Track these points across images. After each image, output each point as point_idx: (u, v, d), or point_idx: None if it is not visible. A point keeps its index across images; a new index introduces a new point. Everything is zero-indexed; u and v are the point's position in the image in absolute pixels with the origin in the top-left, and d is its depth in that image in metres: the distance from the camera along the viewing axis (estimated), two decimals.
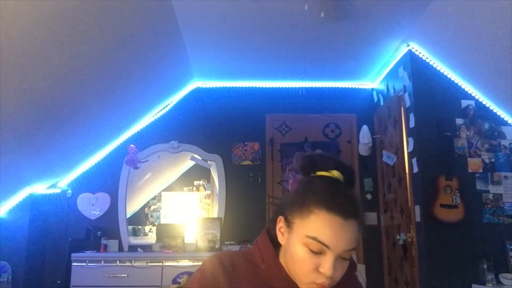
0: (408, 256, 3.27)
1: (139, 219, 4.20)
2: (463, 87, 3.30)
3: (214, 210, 4.04)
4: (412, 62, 3.31)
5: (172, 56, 3.48)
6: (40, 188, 3.62)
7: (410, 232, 3.24)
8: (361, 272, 3.78)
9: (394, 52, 3.55)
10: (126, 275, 3.26)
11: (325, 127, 4.22)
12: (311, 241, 0.82)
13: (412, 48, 3.33)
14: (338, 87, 4.26)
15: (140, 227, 4.13)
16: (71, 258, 3.32)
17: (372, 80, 4.20)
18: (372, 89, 4.25)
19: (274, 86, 4.23)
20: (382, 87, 4.01)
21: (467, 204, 3.04)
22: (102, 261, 3.31)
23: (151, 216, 4.23)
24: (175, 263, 3.29)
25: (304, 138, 4.17)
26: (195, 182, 4.34)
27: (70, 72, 2.63)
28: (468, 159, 3.18)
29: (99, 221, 3.79)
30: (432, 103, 3.23)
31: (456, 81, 3.30)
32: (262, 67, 3.88)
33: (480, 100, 3.28)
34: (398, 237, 3.35)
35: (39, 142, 3.00)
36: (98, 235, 3.67)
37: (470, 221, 3.05)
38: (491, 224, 3.09)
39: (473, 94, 3.29)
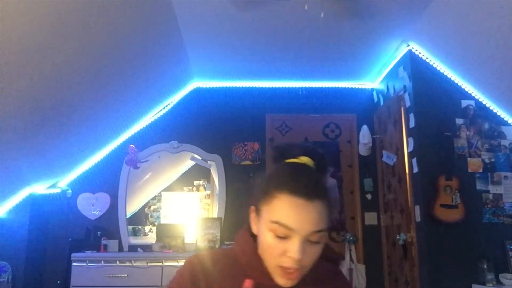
0: (408, 256, 3.27)
1: (139, 219, 4.20)
2: (463, 87, 3.30)
3: (214, 210, 4.04)
4: (412, 62, 3.31)
5: (172, 56, 3.48)
6: (40, 188, 3.63)
7: (410, 232, 3.24)
8: (361, 272, 3.78)
9: (394, 52, 3.55)
10: (126, 275, 3.26)
11: (325, 127, 4.22)
12: (275, 225, 0.81)
13: (412, 48, 3.33)
14: (338, 87, 4.26)
15: (140, 227, 4.13)
16: (71, 258, 3.32)
17: (372, 80, 4.20)
18: (372, 89, 4.25)
19: (274, 86, 4.23)
20: (382, 87, 4.01)
21: (467, 204, 3.04)
22: (102, 261, 3.31)
23: (151, 216, 4.23)
24: (175, 263, 3.29)
25: (304, 138, 4.17)
26: (195, 182, 4.33)
27: (70, 72, 2.63)
28: (468, 159, 3.18)
29: (99, 221, 3.79)
30: (432, 103, 3.23)
31: (456, 81, 3.30)
32: (262, 67, 3.88)
33: (480, 100, 3.28)
34: (398, 237, 3.35)
35: (39, 142, 3.00)
36: (98, 235, 3.67)
37: (470, 221, 3.05)
38: (491, 224, 3.09)
39: (473, 94, 3.29)
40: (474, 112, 3.26)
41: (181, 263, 0.95)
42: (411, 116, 3.25)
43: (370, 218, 4.00)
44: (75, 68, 2.63)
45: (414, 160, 3.20)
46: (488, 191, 3.14)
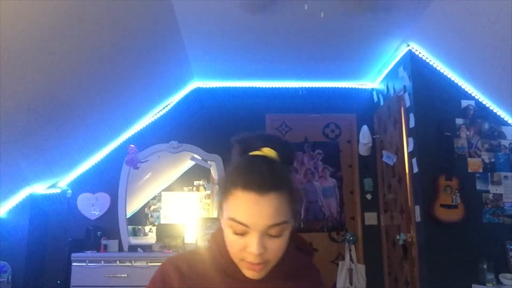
0: (408, 256, 3.27)
1: (139, 219, 4.19)
2: (463, 87, 3.30)
3: (214, 210, 4.04)
4: (412, 62, 3.31)
5: (172, 56, 3.47)
6: (40, 188, 3.62)
7: (410, 232, 3.24)
8: (361, 272, 3.78)
9: (394, 52, 3.55)
10: (126, 275, 3.26)
11: (325, 127, 4.22)
12: (232, 222, 0.81)
13: (412, 48, 3.32)
14: (338, 87, 4.26)
15: (140, 227, 4.13)
16: (71, 258, 3.31)
17: (372, 80, 4.20)
18: (372, 89, 4.25)
19: (274, 86, 4.23)
20: (382, 87, 4.01)
21: (467, 204, 3.04)
22: (102, 261, 3.31)
23: (151, 216, 4.23)
24: None
25: (304, 138, 4.17)
26: (195, 182, 4.33)
27: (70, 72, 2.63)
28: (468, 159, 3.18)
29: (99, 221, 3.79)
30: (432, 103, 3.23)
31: (456, 81, 3.30)
32: (262, 67, 3.88)
33: (480, 100, 3.28)
34: (398, 237, 3.35)
35: (39, 142, 3.00)
36: (98, 235, 3.67)
37: (470, 221, 3.06)
38: (491, 224, 3.09)
39: (473, 94, 3.29)
40: (474, 112, 3.26)
41: None
42: (411, 116, 3.25)
43: (370, 218, 4.00)
44: (75, 68, 2.63)
45: (414, 160, 3.20)
46: (488, 191, 3.14)
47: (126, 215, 3.84)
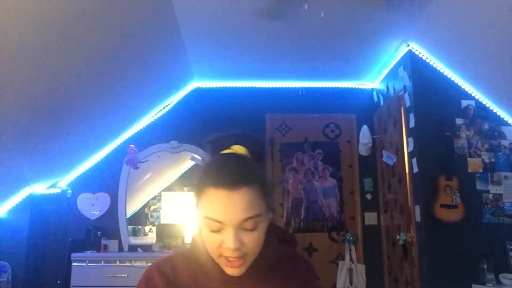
0: (408, 256, 3.27)
1: (139, 219, 4.19)
2: (463, 87, 3.30)
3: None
4: (412, 62, 3.31)
5: (172, 56, 3.47)
6: (40, 188, 3.62)
7: (410, 232, 3.24)
8: (361, 272, 3.78)
9: (394, 52, 3.55)
10: (126, 275, 3.26)
11: (325, 127, 4.22)
12: (207, 220, 0.82)
13: (412, 48, 3.32)
14: (338, 87, 4.26)
15: (140, 227, 4.13)
16: (71, 258, 3.31)
17: (372, 80, 4.20)
18: (372, 89, 4.25)
19: (274, 86, 4.23)
20: (382, 87, 4.01)
21: (467, 204, 3.04)
22: (102, 261, 3.31)
23: (151, 216, 4.23)
24: None
25: (304, 138, 4.17)
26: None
27: (70, 72, 2.63)
28: (468, 159, 3.18)
29: (99, 221, 3.79)
30: (432, 103, 3.23)
31: (456, 81, 3.30)
32: (262, 67, 3.88)
33: (480, 100, 3.28)
34: (398, 237, 3.35)
35: (39, 142, 3.00)
36: (98, 235, 3.66)
37: (470, 221, 3.05)
38: (491, 224, 3.09)
39: (473, 94, 3.29)
40: (474, 112, 3.26)
41: None
42: (411, 116, 3.25)
43: (370, 218, 4.00)
44: (75, 68, 2.63)
45: (414, 160, 3.20)
46: (488, 191, 3.14)
47: (126, 215, 3.84)
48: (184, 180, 4.36)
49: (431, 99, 3.24)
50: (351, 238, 3.82)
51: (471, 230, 3.06)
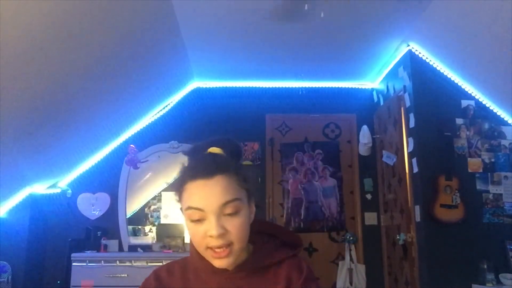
0: (408, 256, 3.27)
1: (139, 219, 4.18)
2: (463, 87, 3.30)
3: None
4: (412, 62, 3.31)
5: (172, 56, 3.47)
6: (40, 188, 3.62)
7: (410, 232, 3.24)
8: (361, 272, 3.78)
9: (394, 52, 3.55)
10: (126, 275, 3.26)
11: (325, 127, 4.22)
12: (189, 211, 0.85)
13: (412, 48, 3.32)
14: (338, 87, 4.26)
15: (140, 227, 4.13)
16: (71, 258, 3.31)
17: (372, 80, 4.20)
18: (372, 89, 4.25)
19: (274, 86, 4.23)
20: (382, 87, 4.01)
21: (467, 204, 3.04)
22: (102, 261, 3.31)
23: (151, 216, 4.22)
24: None
25: (304, 138, 4.17)
26: None
27: (70, 72, 2.63)
28: (468, 159, 3.18)
29: (99, 221, 3.79)
30: (432, 103, 3.23)
31: (456, 81, 3.30)
32: (262, 67, 3.88)
33: (480, 100, 3.28)
34: (398, 237, 3.35)
35: (39, 142, 3.00)
36: (98, 235, 3.67)
37: (470, 221, 3.05)
38: (491, 224, 3.09)
39: (473, 94, 3.28)
40: (474, 112, 3.26)
41: None
42: (411, 116, 3.25)
43: (370, 218, 4.00)
44: (75, 68, 2.63)
45: (414, 160, 3.20)
46: (488, 191, 3.14)
47: (126, 215, 3.84)
48: None
49: (431, 99, 3.24)
50: (351, 238, 3.82)
51: (471, 230, 3.06)
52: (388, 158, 3.65)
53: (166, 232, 3.73)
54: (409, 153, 3.30)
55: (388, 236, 3.78)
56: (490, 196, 3.13)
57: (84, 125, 3.35)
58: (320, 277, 3.70)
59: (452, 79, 3.29)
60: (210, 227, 0.83)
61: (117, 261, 3.31)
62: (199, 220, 0.84)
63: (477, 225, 3.08)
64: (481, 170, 3.17)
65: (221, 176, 0.85)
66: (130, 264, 3.30)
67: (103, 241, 3.63)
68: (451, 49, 3.12)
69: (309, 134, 4.18)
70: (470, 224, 3.05)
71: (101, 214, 3.81)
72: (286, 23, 3.03)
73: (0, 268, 3.28)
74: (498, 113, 3.28)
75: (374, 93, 4.20)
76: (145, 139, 4.00)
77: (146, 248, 3.68)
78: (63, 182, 3.83)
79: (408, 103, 3.32)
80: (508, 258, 3.01)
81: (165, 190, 4.34)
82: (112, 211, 3.82)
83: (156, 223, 4.07)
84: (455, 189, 3.04)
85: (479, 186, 3.15)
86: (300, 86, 4.18)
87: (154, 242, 3.72)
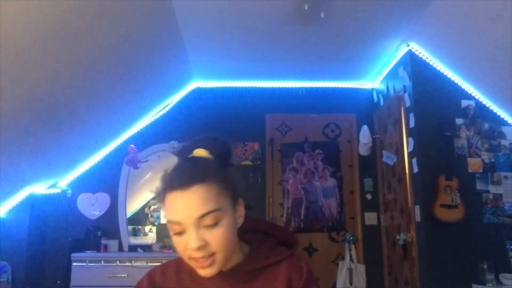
0: (408, 256, 3.27)
1: (139, 219, 4.19)
2: (463, 87, 3.30)
3: None
4: (412, 62, 3.31)
5: (172, 56, 3.47)
6: (40, 188, 3.62)
7: (410, 232, 3.24)
8: (361, 272, 3.78)
9: (394, 52, 3.55)
10: (126, 275, 3.26)
11: (325, 127, 4.22)
12: (169, 224, 0.85)
13: (412, 48, 3.32)
14: (338, 87, 4.26)
15: (140, 227, 4.13)
16: (71, 258, 3.31)
17: (372, 80, 4.20)
18: (372, 89, 4.25)
19: (274, 86, 4.23)
20: (382, 87, 4.01)
21: (467, 204, 3.04)
22: (102, 261, 3.31)
23: (151, 216, 4.23)
24: None
25: (304, 138, 4.17)
26: None
27: (70, 72, 2.63)
28: (468, 159, 3.18)
29: (99, 221, 3.79)
30: (432, 103, 3.23)
31: (456, 81, 3.30)
32: (262, 67, 3.88)
33: (480, 100, 3.28)
34: (398, 237, 3.35)
35: (39, 142, 3.00)
36: (98, 235, 3.67)
37: (470, 221, 3.05)
38: (491, 224, 3.09)
39: (473, 94, 3.29)
40: (474, 112, 3.26)
41: None
42: (411, 116, 3.25)
43: (370, 218, 4.00)
44: (75, 68, 2.63)
45: (414, 160, 3.20)
46: (488, 191, 3.14)
47: (126, 215, 3.84)
48: None
49: (431, 99, 3.24)
50: (351, 238, 3.82)
51: (471, 230, 3.06)
52: (388, 158, 3.65)
53: (166, 232, 3.69)
54: (409, 153, 3.30)
55: (388, 236, 3.79)
56: (490, 196, 3.13)
57: (84, 125, 3.35)
58: (320, 277, 3.71)
59: (452, 79, 3.29)
60: (190, 239, 0.82)
61: (117, 261, 3.31)
62: (180, 233, 0.83)
63: (477, 225, 3.08)
64: (481, 170, 3.17)
65: (199, 186, 0.82)
66: (130, 264, 3.30)
67: (103, 241, 3.63)
68: (451, 49, 3.12)
69: (309, 134, 4.18)
70: (470, 224, 3.05)
71: (101, 214, 3.81)
72: (286, 23, 3.03)
73: (0, 268, 3.28)
74: (498, 113, 3.28)
75: (374, 93, 4.20)
76: (145, 139, 4.00)
77: (146, 248, 3.68)
78: (63, 182, 3.83)
79: (408, 103, 3.32)
80: (508, 258, 3.01)
81: None
82: (112, 211, 3.82)
83: (156, 223, 4.07)
84: (455, 189, 3.04)
85: (479, 186, 3.15)
86: (300, 86, 4.19)
87: (154, 242, 3.72)
